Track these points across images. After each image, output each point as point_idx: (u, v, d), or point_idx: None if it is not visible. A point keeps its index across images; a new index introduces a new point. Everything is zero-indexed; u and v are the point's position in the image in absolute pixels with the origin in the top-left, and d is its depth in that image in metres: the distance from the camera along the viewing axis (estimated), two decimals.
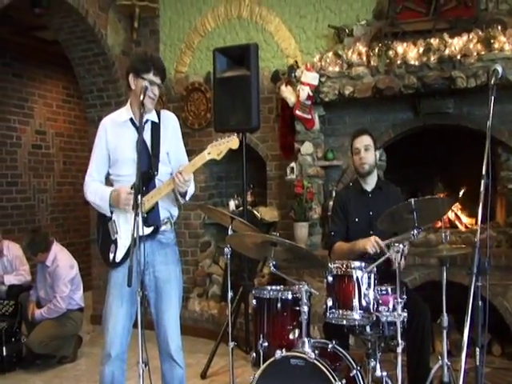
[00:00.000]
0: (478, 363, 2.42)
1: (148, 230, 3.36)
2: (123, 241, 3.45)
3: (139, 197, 3.09)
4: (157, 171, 3.44)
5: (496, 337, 4.98)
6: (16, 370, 5.47)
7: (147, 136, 3.45)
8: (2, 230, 6.01)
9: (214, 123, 5.54)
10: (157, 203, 3.42)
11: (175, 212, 3.63)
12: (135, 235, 2.97)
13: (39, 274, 5.70)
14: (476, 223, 5.41)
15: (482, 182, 2.61)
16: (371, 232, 3.88)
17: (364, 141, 4.06)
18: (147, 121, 3.44)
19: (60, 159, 9.06)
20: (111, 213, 3.49)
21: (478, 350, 2.40)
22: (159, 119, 3.54)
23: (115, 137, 3.50)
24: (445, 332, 3.50)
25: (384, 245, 3.63)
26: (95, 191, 3.52)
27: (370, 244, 3.67)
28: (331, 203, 5.30)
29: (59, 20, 6.34)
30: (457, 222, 5.60)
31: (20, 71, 8.32)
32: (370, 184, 4.12)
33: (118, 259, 3.45)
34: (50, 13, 6.18)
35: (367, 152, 4.03)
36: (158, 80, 3.40)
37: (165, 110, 3.73)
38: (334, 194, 5.46)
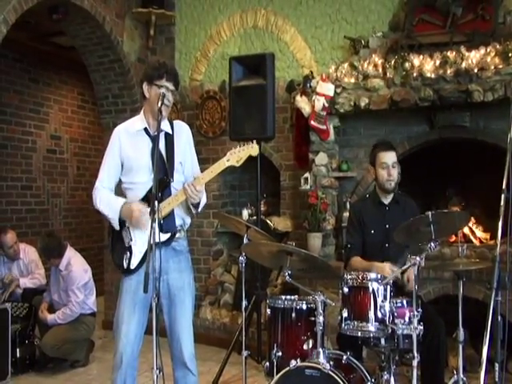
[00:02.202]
0: (497, 379, 2.40)
1: (164, 237, 3.37)
2: (138, 247, 3.44)
3: (156, 203, 3.09)
4: (172, 178, 3.45)
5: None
6: (29, 372, 5.52)
7: (161, 145, 3.44)
8: (16, 233, 6.03)
9: (229, 131, 5.57)
10: (172, 210, 3.42)
11: (188, 220, 3.64)
12: (151, 241, 2.96)
13: (53, 277, 5.73)
14: (491, 238, 5.39)
15: (503, 196, 2.60)
16: (387, 245, 3.90)
17: (393, 157, 4.06)
18: (161, 131, 3.43)
19: (74, 164, 9.13)
20: (120, 225, 3.47)
21: (496, 365, 2.38)
22: (172, 129, 3.55)
23: (129, 145, 3.49)
24: (461, 346, 3.48)
25: (399, 272, 3.61)
26: (106, 200, 3.50)
27: (387, 272, 3.63)
28: (345, 214, 5.34)
29: (76, 26, 6.40)
30: (471, 237, 5.56)
31: (36, 76, 8.41)
32: (388, 198, 4.13)
33: (133, 266, 3.44)
34: (67, 19, 6.23)
35: (394, 169, 4.04)
36: (171, 86, 3.41)
37: (178, 120, 3.75)
38: (348, 206, 5.45)
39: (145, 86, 3.44)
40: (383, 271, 3.65)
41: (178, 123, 3.65)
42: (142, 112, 3.56)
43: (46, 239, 5.71)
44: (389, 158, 4.05)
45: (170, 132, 3.54)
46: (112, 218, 3.47)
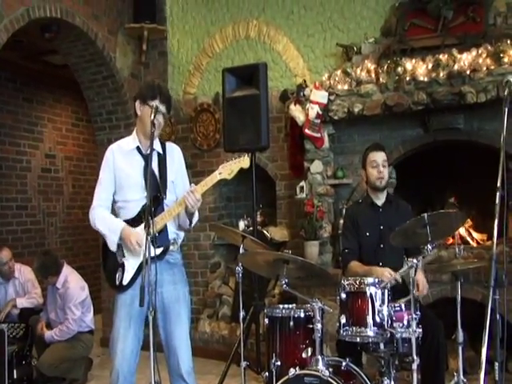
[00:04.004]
0: (497, 378, 2.35)
1: (158, 251, 3.34)
2: (131, 263, 3.43)
3: (150, 218, 3.10)
4: (165, 195, 3.46)
5: (511, 353, 4.90)
6: None
7: (154, 164, 3.45)
8: (12, 254, 5.98)
9: (223, 143, 5.54)
10: (165, 225, 3.42)
11: (181, 234, 3.65)
12: (146, 256, 2.97)
13: (50, 295, 5.67)
14: (488, 239, 5.37)
15: (497, 194, 2.57)
16: (382, 246, 3.89)
17: (382, 156, 4.09)
18: (153, 150, 3.42)
19: (69, 182, 9.09)
20: (118, 246, 3.46)
21: (496, 364, 2.33)
22: (164, 150, 3.57)
23: (122, 163, 3.52)
24: (460, 348, 3.45)
25: (398, 275, 3.58)
26: (105, 220, 3.49)
27: (386, 277, 3.60)
28: (341, 221, 5.29)
29: (69, 44, 6.39)
30: (468, 238, 5.54)
31: (30, 95, 8.39)
32: (380, 199, 4.13)
33: (125, 282, 3.42)
34: (59, 37, 6.23)
35: (384, 168, 4.06)
36: (163, 108, 3.43)
37: (169, 142, 3.78)
38: (343, 213, 5.42)
39: (137, 104, 3.47)
40: (383, 276, 3.61)
41: (169, 144, 3.68)
42: (134, 132, 3.59)
43: (43, 257, 5.66)
44: (378, 156, 4.07)
45: (162, 152, 3.56)
46: (111, 239, 3.46)
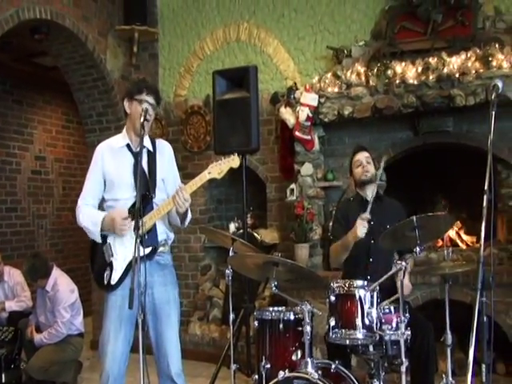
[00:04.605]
0: (484, 380, 2.36)
1: (146, 251, 3.33)
2: (119, 262, 3.42)
3: (139, 218, 3.07)
4: (154, 194, 3.44)
5: (500, 355, 4.93)
6: None
7: (144, 162, 3.46)
8: (1, 256, 5.96)
9: (213, 145, 5.53)
10: (154, 224, 3.42)
11: (172, 235, 3.65)
12: (136, 256, 2.96)
13: (39, 298, 5.64)
14: (477, 241, 5.39)
15: (485, 197, 2.58)
16: (372, 241, 3.91)
17: (364, 154, 4.18)
18: (144, 147, 3.43)
19: (59, 185, 9.06)
20: (103, 238, 3.46)
21: (484, 366, 2.34)
22: (154, 147, 3.57)
23: (112, 162, 3.51)
24: (449, 350, 3.46)
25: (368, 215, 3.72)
26: (88, 215, 3.49)
27: (359, 227, 3.70)
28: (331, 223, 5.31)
29: (59, 46, 6.37)
30: (458, 241, 5.57)
31: (20, 97, 8.35)
32: (369, 194, 4.13)
33: (113, 281, 3.41)
34: (49, 39, 6.22)
35: (369, 164, 4.13)
36: (151, 100, 3.44)
37: (160, 139, 3.78)
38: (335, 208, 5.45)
39: (126, 103, 3.49)
40: (358, 230, 3.72)
41: (160, 141, 3.67)
42: (124, 129, 3.58)
43: (32, 260, 5.62)
44: (360, 155, 4.17)
45: (152, 150, 3.55)
46: (93, 230, 3.46)
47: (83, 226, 3.51)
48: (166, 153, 3.63)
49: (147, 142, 3.51)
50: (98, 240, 3.46)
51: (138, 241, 3.00)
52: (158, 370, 3.48)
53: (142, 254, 3.03)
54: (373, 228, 3.90)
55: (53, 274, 5.53)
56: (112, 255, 3.44)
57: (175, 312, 3.52)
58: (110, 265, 3.44)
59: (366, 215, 3.74)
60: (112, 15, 6.78)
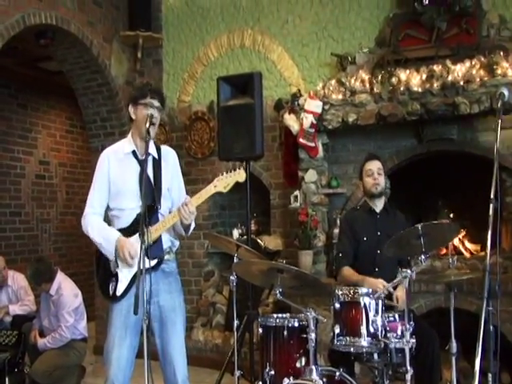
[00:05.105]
0: None
1: (152, 263, 3.31)
2: (125, 274, 3.39)
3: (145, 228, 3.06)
4: (159, 204, 3.42)
5: (505, 365, 4.91)
6: None
7: (149, 170, 3.42)
8: (5, 260, 5.96)
9: (218, 151, 5.54)
10: (159, 236, 3.39)
11: (176, 242, 3.63)
12: (141, 265, 2.94)
13: (43, 303, 5.64)
14: (481, 249, 5.38)
15: (491, 205, 2.59)
16: (378, 252, 3.92)
17: (377, 164, 4.18)
18: (149, 154, 3.41)
19: (63, 189, 9.08)
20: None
21: (490, 375, 2.34)
22: (159, 155, 3.53)
23: (118, 169, 3.46)
24: (453, 358, 3.44)
25: (390, 287, 3.59)
26: (99, 229, 3.42)
27: (379, 288, 3.61)
28: (336, 231, 5.33)
29: (64, 51, 6.42)
30: (462, 249, 5.56)
31: (24, 102, 8.40)
32: (378, 206, 4.19)
33: (119, 292, 3.38)
34: (54, 44, 6.25)
35: (380, 176, 4.13)
36: (156, 103, 3.40)
37: (164, 145, 3.72)
38: (338, 222, 5.43)
39: (130, 108, 3.45)
40: (376, 287, 3.63)
41: (165, 148, 3.62)
42: (129, 135, 3.54)
43: (36, 264, 5.63)
44: (373, 165, 4.17)
45: (157, 157, 3.51)
46: (107, 248, 3.39)
47: (93, 239, 3.44)
48: (170, 160, 3.59)
49: (152, 148, 3.47)
50: (112, 258, 3.39)
51: (143, 252, 2.98)
52: (164, 377, 3.47)
53: (147, 265, 3.02)
54: (379, 239, 3.90)
55: (57, 278, 5.53)
56: (117, 266, 3.39)
57: (181, 319, 3.51)
58: (116, 276, 3.40)
59: (390, 289, 3.59)
60: (117, 21, 6.81)
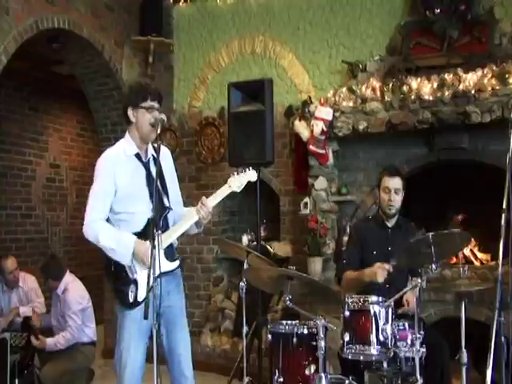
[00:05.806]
0: None
1: (174, 265, 3.38)
2: (144, 279, 3.18)
3: (159, 232, 3.04)
4: (171, 205, 3.42)
5: None
6: None
7: (154, 172, 3.31)
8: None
9: (228, 157, 5.55)
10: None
11: (176, 240, 3.57)
12: (158, 271, 2.92)
13: (53, 302, 5.67)
14: (492, 259, 5.36)
15: (503, 216, 2.58)
16: None
17: (396, 183, 4.01)
18: (152, 156, 3.41)
19: (73, 192, 9.11)
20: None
21: None
22: (158, 155, 3.46)
23: (124, 172, 3.36)
24: (464, 369, 3.43)
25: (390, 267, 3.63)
26: (111, 234, 3.31)
27: (380, 273, 3.64)
28: (345, 238, 5.32)
29: (76, 55, 6.46)
30: (472, 258, 5.53)
31: (36, 105, 8.43)
32: (391, 221, 4.12)
33: (140, 298, 3.28)
34: (66, 48, 6.30)
35: (397, 195, 4.01)
36: (156, 104, 3.36)
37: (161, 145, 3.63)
38: (347, 230, 5.43)
39: (130, 111, 3.36)
40: (376, 275, 3.66)
41: (162, 148, 3.48)
42: (127, 136, 3.44)
43: (48, 259, 5.74)
44: (392, 183, 4.01)
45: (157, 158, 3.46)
46: (122, 252, 3.27)
47: (103, 245, 3.31)
48: (167, 160, 3.56)
49: (151, 150, 3.44)
50: (127, 263, 3.31)
51: (156, 253, 2.92)
52: (171, 379, 3.46)
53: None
54: (389, 254, 3.86)
55: (65, 278, 5.54)
56: (136, 272, 3.31)
57: (185, 319, 3.54)
58: (135, 282, 3.31)
59: (390, 267, 3.65)
60: (128, 26, 6.84)
